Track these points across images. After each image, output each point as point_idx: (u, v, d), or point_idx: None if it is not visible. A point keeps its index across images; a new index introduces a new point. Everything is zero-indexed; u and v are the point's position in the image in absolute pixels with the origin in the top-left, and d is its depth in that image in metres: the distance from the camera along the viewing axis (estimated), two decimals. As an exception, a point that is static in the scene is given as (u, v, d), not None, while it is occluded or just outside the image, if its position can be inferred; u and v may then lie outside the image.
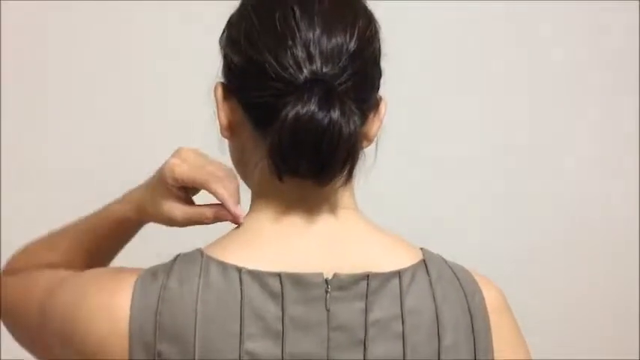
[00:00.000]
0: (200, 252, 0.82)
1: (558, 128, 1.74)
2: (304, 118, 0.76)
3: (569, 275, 1.75)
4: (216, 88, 0.87)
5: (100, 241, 1.01)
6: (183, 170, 0.89)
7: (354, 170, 0.81)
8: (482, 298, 0.86)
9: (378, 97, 0.87)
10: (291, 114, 0.76)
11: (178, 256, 0.83)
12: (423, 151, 1.68)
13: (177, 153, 0.91)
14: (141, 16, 1.62)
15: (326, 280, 0.80)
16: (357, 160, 0.80)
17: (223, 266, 0.80)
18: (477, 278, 0.88)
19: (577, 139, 1.75)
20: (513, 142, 1.73)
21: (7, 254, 1.03)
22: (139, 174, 0.98)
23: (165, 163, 0.90)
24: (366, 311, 0.80)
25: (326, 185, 0.80)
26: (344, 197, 0.85)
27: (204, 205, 0.91)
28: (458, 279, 0.85)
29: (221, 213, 0.88)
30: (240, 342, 0.78)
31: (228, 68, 0.85)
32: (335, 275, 0.80)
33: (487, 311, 0.85)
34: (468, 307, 0.84)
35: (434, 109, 1.69)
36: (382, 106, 0.87)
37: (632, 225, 1.76)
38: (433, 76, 1.69)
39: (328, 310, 0.80)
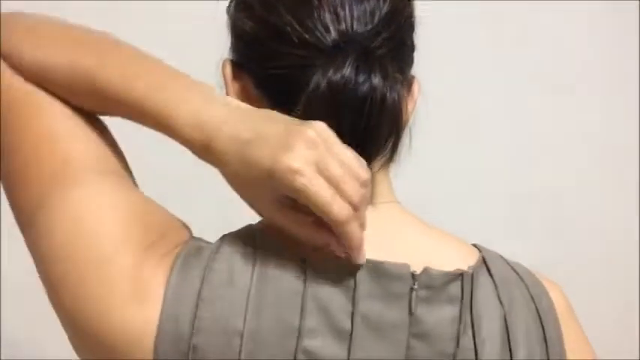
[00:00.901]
0: (254, 230, 0.68)
1: (561, 130, 1.74)
2: (339, 85, 0.64)
3: (568, 275, 1.75)
4: (224, 66, 0.74)
5: (116, 114, 0.72)
6: (307, 189, 0.60)
7: (398, 147, 0.69)
8: (552, 303, 0.74)
9: (410, 75, 0.74)
10: (323, 81, 0.64)
11: (225, 235, 0.69)
12: (429, 153, 1.68)
13: (303, 149, 0.60)
14: (141, 13, 1.62)
15: (412, 275, 0.66)
16: (401, 135, 0.68)
17: (284, 247, 0.65)
18: (542, 281, 0.76)
19: (578, 142, 1.76)
20: (515, 143, 1.74)
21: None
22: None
23: (278, 153, 0.61)
24: (460, 321, 0.66)
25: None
26: (382, 185, 0.73)
27: (314, 228, 0.65)
28: (522, 280, 0.74)
29: (334, 250, 0.65)
30: (298, 338, 0.63)
31: (239, 38, 0.73)
32: (425, 270, 0.66)
33: (557, 317, 0.74)
34: (537, 313, 0.72)
35: (441, 109, 1.69)
36: (415, 86, 0.75)
37: (632, 226, 1.76)
38: (439, 77, 1.68)
39: (412, 314, 0.66)
